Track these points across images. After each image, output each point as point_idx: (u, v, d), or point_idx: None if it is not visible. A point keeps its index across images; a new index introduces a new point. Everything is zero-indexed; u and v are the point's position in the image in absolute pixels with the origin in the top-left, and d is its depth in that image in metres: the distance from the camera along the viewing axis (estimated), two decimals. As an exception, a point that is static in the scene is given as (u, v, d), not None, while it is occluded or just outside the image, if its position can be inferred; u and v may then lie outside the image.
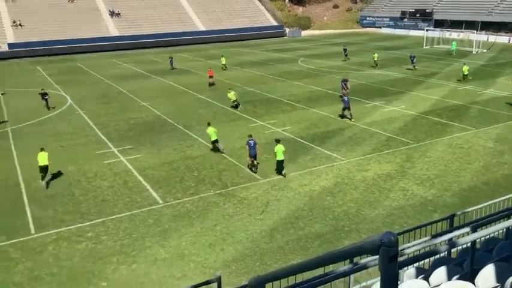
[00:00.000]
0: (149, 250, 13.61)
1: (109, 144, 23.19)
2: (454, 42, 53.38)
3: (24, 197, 17.33)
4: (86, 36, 64.01)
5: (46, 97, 30.42)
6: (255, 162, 19.15)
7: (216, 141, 21.20)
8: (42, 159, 18.12)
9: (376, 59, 44.11)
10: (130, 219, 15.52)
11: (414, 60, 42.07)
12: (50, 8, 67.27)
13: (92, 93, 35.89)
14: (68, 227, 15.04)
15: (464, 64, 37.48)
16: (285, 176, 18.52)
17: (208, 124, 21.61)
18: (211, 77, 37.44)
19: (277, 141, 18.75)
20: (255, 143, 18.98)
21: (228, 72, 43.72)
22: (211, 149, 21.73)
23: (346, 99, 26.24)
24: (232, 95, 29.14)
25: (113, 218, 15.58)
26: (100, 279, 12.29)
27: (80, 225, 15.21)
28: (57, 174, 19.42)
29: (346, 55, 48.88)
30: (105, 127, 26.29)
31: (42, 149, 18.57)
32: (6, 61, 56.55)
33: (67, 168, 20.09)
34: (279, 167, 18.71)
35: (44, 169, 18.17)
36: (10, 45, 59.60)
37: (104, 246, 13.90)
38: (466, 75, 36.28)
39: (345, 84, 30.90)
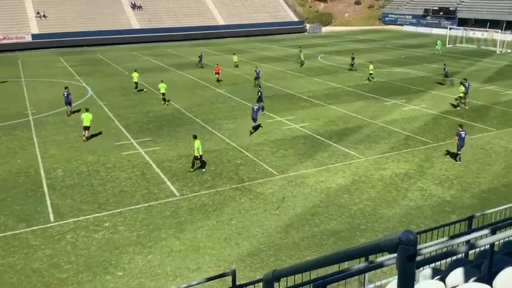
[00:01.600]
0: (165, 241, 13.74)
1: (128, 136, 23.44)
2: (438, 41, 52.35)
3: (44, 186, 17.65)
4: (108, 28, 64.66)
5: (69, 97, 27.09)
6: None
7: (87, 127, 22.57)
8: (86, 120, 22.35)
9: (302, 58, 44.22)
10: (147, 210, 15.69)
11: (353, 62, 41.36)
12: (73, 0, 68.08)
13: (113, 85, 36.27)
14: (86, 216, 15.28)
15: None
16: (203, 170, 18.92)
17: (87, 110, 23.05)
18: (217, 73, 37.27)
19: (194, 137, 18.87)
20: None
21: (248, 67, 43.70)
22: (227, 144, 21.81)
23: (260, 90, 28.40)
24: (162, 87, 29.66)
25: (131, 209, 15.78)
26: (116, 268, 12.46)
27: (98, 214, 15.43)
28: (76, 165, 19.74)
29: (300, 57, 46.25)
30: (124, 119, 26.57)
31: (87, 109, 22.85)
32: (30, 51, 57.50)
33: (86, 159, 20.38)
34: (195, 163, 18.88)
35: (86, 128, 22.49)
36: (34, 36, 60.57)
37: (121, 236, 14.09)
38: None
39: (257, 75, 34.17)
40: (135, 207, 15.94)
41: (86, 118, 22.43)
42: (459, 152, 19.38)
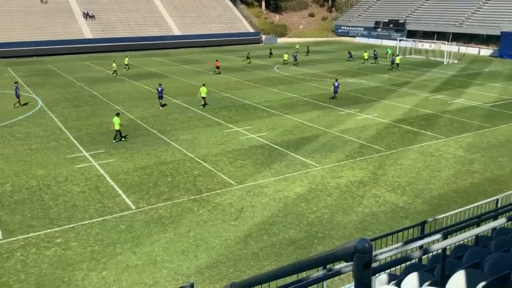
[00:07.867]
0: (120, 257, 13.37)
1: (81, 148, 22.76)
2: (388, 49, 56.79)
3: (-9, 202, 16.82)
4: (59, 38, 62.87)
5: (17, 91, 31.21)
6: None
7: (118, 130, 23.56)
8: (116, 123, 23.36)
9: (114, 68, 44.72)
10: (101, 225, 15.23)
11: (376, 55, 53.42)
12: (22, 9, 65.85)
13: (64, 96, 35.21)
14: (36, 233, 14.65)
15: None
16: (119, 141, 23.49)
17: (117, 114, 24.17)
18: (217, 67, 45.26)
19: (117, 114, 23.72)
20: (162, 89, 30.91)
21: (202, 77, 43.58)
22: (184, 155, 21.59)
23: None
24: (203, 91, 31.29)
25: (84, 224, 15.27)
26: (69, 286, 11.99)
27: (49, 230, 14.83)
28: (25, 179, 18.95)
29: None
30: (76, 131, 25.80)
31: (117, 114, 23.89)
32: (-25, 62, 55.01)
33: (36, 173, 19.61)
34: (116, 135, 23.53)
35: (117, 131, 23.55)
36: (-21, 46, 58.02)
37: (74, 252, 13.59)
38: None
39: None
40: (88, 222, 15.44)
41: (116, 122, 23.45)
42: (334, 96, 33.08)
